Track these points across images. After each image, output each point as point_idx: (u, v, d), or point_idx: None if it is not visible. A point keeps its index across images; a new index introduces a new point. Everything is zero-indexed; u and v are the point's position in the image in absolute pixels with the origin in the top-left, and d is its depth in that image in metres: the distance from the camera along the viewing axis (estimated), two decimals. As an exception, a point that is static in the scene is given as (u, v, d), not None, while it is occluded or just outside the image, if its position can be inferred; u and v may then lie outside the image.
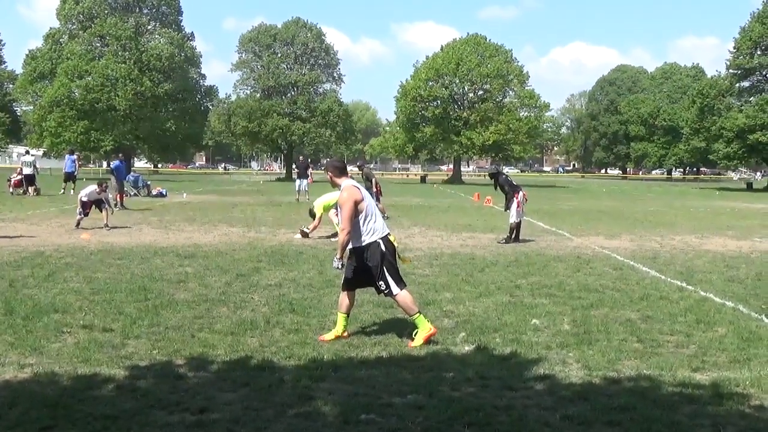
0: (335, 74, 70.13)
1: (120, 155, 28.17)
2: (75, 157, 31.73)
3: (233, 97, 69.34)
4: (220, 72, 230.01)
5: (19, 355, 5.68)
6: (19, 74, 64.56)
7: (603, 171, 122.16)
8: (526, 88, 64.63)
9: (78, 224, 15.24)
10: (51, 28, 59.13)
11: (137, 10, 60.36)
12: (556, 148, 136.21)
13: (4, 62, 78.07)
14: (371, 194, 18.99)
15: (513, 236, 14.20)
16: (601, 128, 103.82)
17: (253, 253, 11.95)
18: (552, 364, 5.71)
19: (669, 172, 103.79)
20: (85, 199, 15.50)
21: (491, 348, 6.15)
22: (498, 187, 14.88)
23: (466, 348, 6.15)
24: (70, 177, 30.33)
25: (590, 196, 40.25)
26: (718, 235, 16.58)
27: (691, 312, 7.69)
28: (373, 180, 20.02)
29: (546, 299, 8.35)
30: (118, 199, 21.35)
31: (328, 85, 70.19)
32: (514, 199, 14.19)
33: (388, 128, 75.58)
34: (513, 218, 14.20)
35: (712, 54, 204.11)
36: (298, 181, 28.95)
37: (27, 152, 34.28)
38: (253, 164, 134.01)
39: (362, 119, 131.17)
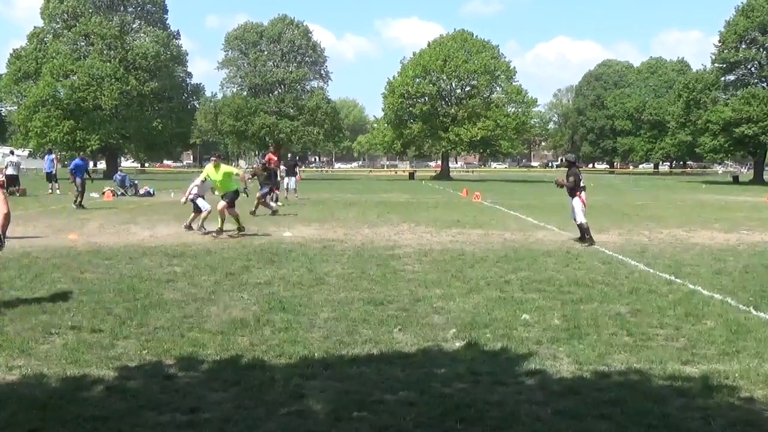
0: (322, 71, 69.90)
1: (81, 153, 27.84)
2: (53, 156, 31.58)
3: (220, 96, 69.09)
4: (205, 70, 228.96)
5: (6, 356, 5.63)
6: (2, 74, 63.94)
7: (590, 165, 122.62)
8: (513, 83, 64.75)
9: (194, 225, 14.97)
10: (35, 27, 58.47)
11: (122, 8, 59.78)
12: (543, 143, 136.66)
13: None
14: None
15: (588, 236, 13.33)
16: (588, 123, 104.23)
17: (242, 251, 11.90)
18: (543, 359, 5.72)
19: (656, 166, 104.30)
20: (193, 193, 15.35)
21: (482, 344, 6.16)
22: (568, 177, 13.91)
23: (457, 344, 6.14)
24: (50, 177, 30.19)
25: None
26: (705, 228, 16.68)
27: (679, 305, 7.73)
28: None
29: (536, 294, 8.36)
30: (79, 198, 21.33)
31: (315, 83, 69.93)
32: (577, 197, 13.50)
33: (375, 125, 75.51)
34: (581, 218, 13.47)
35: (695, 48, 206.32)
36: (286, 179, 28.84)
37: (12, 152, 34.01)
38: (241, 162, 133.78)
39: (350, 116, 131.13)
